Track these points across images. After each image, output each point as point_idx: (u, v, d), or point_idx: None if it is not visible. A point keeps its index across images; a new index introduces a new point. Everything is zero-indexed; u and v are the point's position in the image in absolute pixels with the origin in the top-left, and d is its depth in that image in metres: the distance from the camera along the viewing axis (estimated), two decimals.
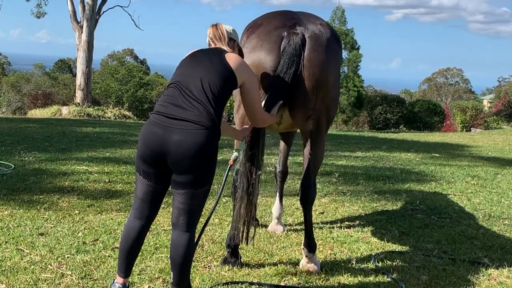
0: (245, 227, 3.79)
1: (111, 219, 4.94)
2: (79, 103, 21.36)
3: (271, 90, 3.58)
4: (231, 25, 3.46)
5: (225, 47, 3.27)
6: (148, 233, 4.56)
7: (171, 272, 3.04)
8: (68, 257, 3.93)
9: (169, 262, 3.86)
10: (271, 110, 3.57)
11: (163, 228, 4.75)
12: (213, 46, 3.31)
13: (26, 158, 7.75)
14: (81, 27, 21.62)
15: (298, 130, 4.21)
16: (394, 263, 4.17)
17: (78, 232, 4.53)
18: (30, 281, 3.46)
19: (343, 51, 29.93)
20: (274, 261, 4.10)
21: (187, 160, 2.82)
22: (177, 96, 2.95)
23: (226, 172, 3.47)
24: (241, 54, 3.47)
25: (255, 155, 3.72)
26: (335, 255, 4.33)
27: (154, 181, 2.98)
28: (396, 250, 4.53)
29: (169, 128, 2.85)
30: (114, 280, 3.14)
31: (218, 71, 3.03)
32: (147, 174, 2.97)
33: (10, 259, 3.82)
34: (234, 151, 3.64)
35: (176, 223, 2.99)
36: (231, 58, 3.12)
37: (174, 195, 2.96)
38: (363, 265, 4.09)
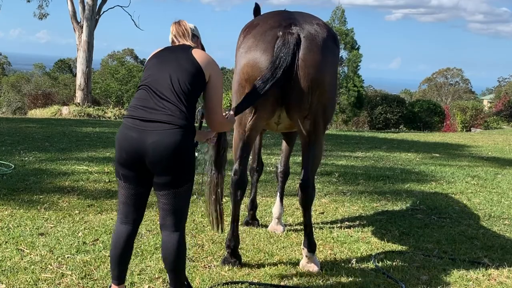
0: (214, 217, 3.87)
1: (111, 219, 4.94)
2: (79, 103, 21.37)
3: (254, 85, 3.57)
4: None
5: (189, 43, 3.24)
6: (148, 233, 4.58)
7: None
8: (68, 257, 3.93)
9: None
10: (237, 113, 3.62)
11: None
12: (177, 43, 3.28)
13: (26, 158, 7.75)
14: (81, 27, 21.62)
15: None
16: (394, 263, 4.17)
17: (78, 232, 4.53)
18: (30, 281, 3.46)
19: (343, 51, 29.98)
20: (274, 261, 4.10)
21: (165, 160, 2.84)
22: (148, 98, 2.95)
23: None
24: (203, 50, 3.45)
25: (220, 155, 3.81)
26: (335, 255, 4.33)
27: (135, 184, 2.99)
28: (396, 250, 4.53)
29: (143, 131, 2.86)
30: (110, 286, 3.14)
31: (186, 69, 3.01)
32: (127, 178, 2.99)
33: (10, 259, 3.82)
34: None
35: (164, 224, 3.01)
36: (198, 54, 3.10)
37: (158, 197, 2.99)
38: (363, 265, 4.09)
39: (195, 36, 3.36)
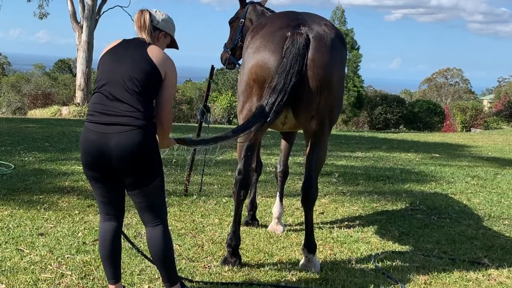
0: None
1: None
2: (79, 103, 21.36)
3: (276, 91, 3.57)
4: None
5: (146, 38, 3.11)
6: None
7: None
8: (68, 257, 3.93)
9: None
10: (268, 120, 3.54)
11: None
12: (138, 35, 3.16)
13: (26, 158, 7.75)
14: (81, 27, 21.62)
15: (300, 130, 4.21)
16: (394, 263, 4.17)
17: (78, 232, 4.52)
18: (30, 281, 3.46)
19: None
20: (274, 261, 4.10)
21: (128, 161, 2.87)
22: (104, 102, 2.93)
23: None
24: (174, 45, 3.35)
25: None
26: (335, 255, 4.33)
27: (107, 183, 3.01)
28: (396, 250, 4.53)
29: (104, 134, 2.87)
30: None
31: (140, 67, 2.94)
32: (96, 179, 3.01)
33: (10, 259, 3.82)
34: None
35: (144, 221, 3.08)
36: (153, 52, 3.00)
37: (130, 196, 3.03)
38: (363, 265, 4.09)
39: (157, 30, 3.19)
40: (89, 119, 2.96)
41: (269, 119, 3.55)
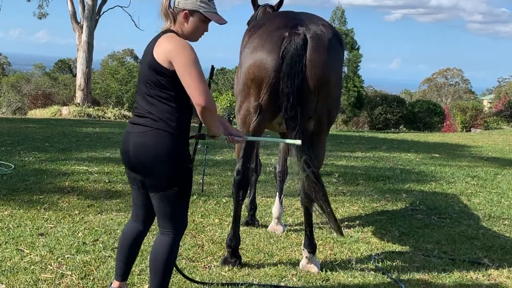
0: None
1: (111, 219, 4.94)
2: (79, 103, 21.36)
3: (284, 95, 3.58)
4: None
5: (167, 26, 2.83)
6: (148, 233, 4.57)
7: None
8: (68, 257, 3.93)
9: None
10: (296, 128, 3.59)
11: None
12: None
13: (26, 158, 7.75)
14: (81, 27, 21.62)
15: None
16: (394, 263, 4.17)
17: (78, 232, 4.52)
18: (30, 281, 3.46)
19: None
20: (274, 261, 4.10)
21: (144, 162, 2.79)
22: (136, 101, 2.92)
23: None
24: (214, 20, 2.88)
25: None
26: (335, 255, 4.33)
27: (138, 186, 2.95)
28: (396, 250, 4.53)
29: (128, 133, 2.86)
30: (111, 283, 3.14)
31: (148, 67, 2.76)
32: (131, 180, 2.99)
33: (10, 259, 3.82)
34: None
35: (158, 225, 2.98)
36: (158, 45, 2.73)
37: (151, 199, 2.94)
38: (363, 265, 4.09)
39: (180, 11, 2.80)
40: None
41: (289, 124, 3.60)
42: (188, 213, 5.26)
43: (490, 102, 48.29)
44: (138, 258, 3.95)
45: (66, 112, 20.06)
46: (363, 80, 31.16)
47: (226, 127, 3.16)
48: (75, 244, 4.21)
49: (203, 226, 4.93)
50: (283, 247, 4.46)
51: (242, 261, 4.00)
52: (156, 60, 2.71)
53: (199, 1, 2.80)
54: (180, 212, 2.91)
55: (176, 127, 2.78)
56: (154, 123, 2.76)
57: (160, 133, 2.75)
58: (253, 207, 5.11)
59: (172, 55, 2.67)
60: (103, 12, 22.71)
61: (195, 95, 2.70)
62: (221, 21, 2.90)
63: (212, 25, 2.96)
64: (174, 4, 2.79)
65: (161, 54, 2.69)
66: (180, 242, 4.33)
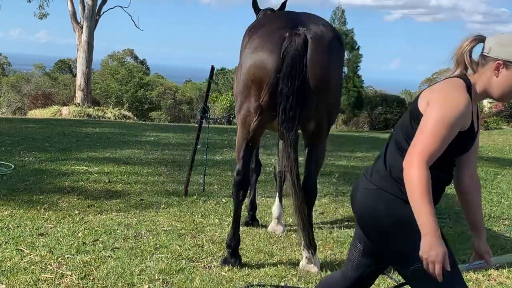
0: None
1: (111, 219, 4.94)
2: (79, 104, 21.35)
3: (282, 96, 3.57)
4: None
5: (454, 71, 2.21)
6: (148, 233, 4.58)
7: None
8: (68, 257, 3.93)
9: (169, 262, 3.87)
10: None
11: (163, 228, 4.75)
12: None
13: (26, 158, 7.75)
14: (81, 27, 21.61)
15: (299, 131, 4.21)
16: None
17: (78, 232, 4.52)
18: (30, 281, 3.45)
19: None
20: (274, 261, 4.10)
21: (362, 226, 2.34)
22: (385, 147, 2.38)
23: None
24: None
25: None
26: (335, 255, 4.33)
27: (358, 243, 2.44)
28: None
29: (356, 185, 2.41)
30: None
31: (410, 113, 2.22)
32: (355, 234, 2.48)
33: (10, 259, 3.82)
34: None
35: None
36: (430, 89, 2.20)
37: None
38: None
39: (488, 62, 2.12)
40: None
41: (286, 125, 3.57)
42: (188, 213, 5.30)
43: (490, 102, 48.26)
44: (138, 258, 3.96)
45: (66, 112, 20.05)
46: (363, 80, 31.13)
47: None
48: (75, 244, 4.21)
49: (203, 226, 4.92)
50: (283, 247, 4.46)
51: (242, 261, 4.00)
52: (417, 104, 2.17)
53: None
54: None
55: (391, 187, 2.21)
56: (378, 180, 2.24)
57: (375, 193, 2.22)
58: (253, 207, 5.11)
59: (432, 100, 2.10)
60: (103, 12, 22.72)
61: (411, 149, 2.06)
62: None
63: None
64: (483, 51, 2.14)
65: (424, 97, 2.15)
66: (180, 242, 4.36)
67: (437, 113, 2.03)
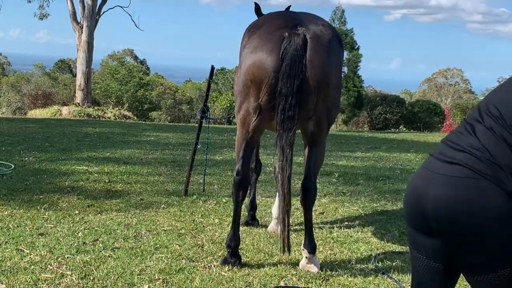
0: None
1: (111, 219, 4.94)
2: (79, 103, 21.36)
3: (281, 96, 3.57)
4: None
5: None
6: (148, 233, 4.58)
7: None
8: (68, 257, 3.93)
9: (169, 262, 3.87)
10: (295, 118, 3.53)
11: (163, 228, 4.75)
12: None
13: (26, 158, 7.75)
14: (81, 27, 21.62)
15: (298, 131, 4.21)
16: (394, 263, 4.17)
17: (78, 232, 4.52)
18: (30, 281, 3.45)
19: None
20: (274, 261, 4.10)
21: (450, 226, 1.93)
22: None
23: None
24: None
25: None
26: (335, 255, 4.33)
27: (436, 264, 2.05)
28: (396, 250, 4.53)
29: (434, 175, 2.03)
30: None
31: None
32: (418, 248, 2.10)
33: (10, 259, 3.82)
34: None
35: None
36: None
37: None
38: (363, 265, 4.09)
39: None
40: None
41: (285, 126, 3.57)
42: (188, 213, 5.30)
43: None
44: (138, 258, 3.96)
45: (66, 112, 20.06)
46: (363, 80, 31.11)
47: None
48: (75, 244, 4.21)
49: (203, 226, 4.93)
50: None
51: (242, 261, 4.00)
52: None
53: None
54: None
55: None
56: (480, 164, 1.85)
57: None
58: (253, 207, 5.11)
59: None
60: (103, 12, 22.72)
61: None
62: None
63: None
64: None
65: None
66: (180, 242, 4.36)
67: None
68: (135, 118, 23.82)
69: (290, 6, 4.75)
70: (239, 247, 4.06)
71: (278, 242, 4.25)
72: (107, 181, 6.52)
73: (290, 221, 5.21)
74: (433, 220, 1.89)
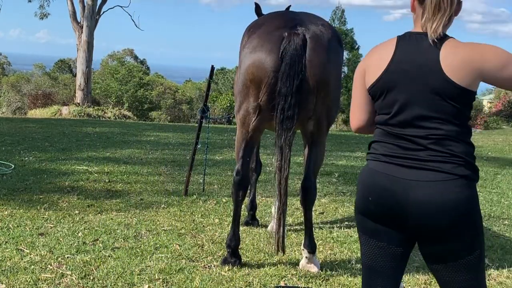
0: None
1: (111, 219, 4.94)
2: (79, 103, 21.37)
3: (281, 96, 3.57)
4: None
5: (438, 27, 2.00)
6: (148, 233, 4.58)
7: None
8: (68, 257, 3.93)
9: (169, 262, 3.87)
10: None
11: (163, 228, 4.75)
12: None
13: (26, 158, 7.75)
14: (81, 27, 21.63)
15: (298, 131, 4.21)
16: None
17: (78, 232, 4.52)
18: (30, 281, 3.45)
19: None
20: (274, 261, 4.10)
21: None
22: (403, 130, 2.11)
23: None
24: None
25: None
26: (335, 255, 4.33)
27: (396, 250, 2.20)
28: None
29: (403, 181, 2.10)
30: None
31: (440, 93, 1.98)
32: (381, 237, 2.20)
33: (10, 259, 3.82)
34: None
35: None
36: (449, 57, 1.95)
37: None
38: None
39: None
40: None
41: (284, 125, 3.57)
42: (188, 213, 5.30)
43: (490, 102, 48.30)
44: (138, 258, 3.96)
45: (66, 112, 20.07)
46: None
47: None
48: (75, 244, 4.21)
49: (203, 226, 4.93)
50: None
51: (242, 261, 4.00)
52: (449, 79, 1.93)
53: None
54: (484, 284, 2.07)
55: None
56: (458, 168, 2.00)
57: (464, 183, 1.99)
58: (253, 207, 5.11)
59: (483, 62, 1.92)
60: (103, 12, 22.74)
61: None
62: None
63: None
64: None
65: (463, 67, 1.93)
66: (180, 242, 4.36)
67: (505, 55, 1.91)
68: (135, 118, 23.84)
69: (290, 6, 4.75)
70: (239, 247, 4.06)
71: (272, 242, 4.27)
72: (107, 181, 6.52)
73: (290, 221, 5.22)
74: (413, 220, 2.00)
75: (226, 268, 3.88)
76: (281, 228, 3.69)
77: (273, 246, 3.83)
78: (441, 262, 2.02)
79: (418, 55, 1.99)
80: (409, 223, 2.01)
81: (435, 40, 1.96)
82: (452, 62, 1.93)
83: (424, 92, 1.98)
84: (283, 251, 3.79)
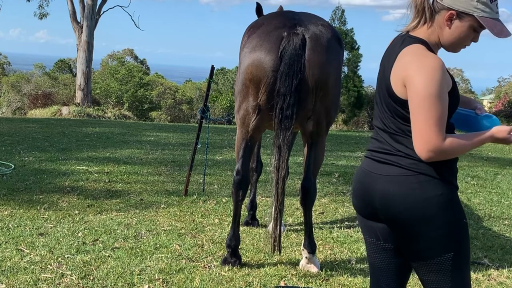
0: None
1: (111, 219, 4.94)
2: (79, 103, 21.37)
3: (280, 95, 3.57)
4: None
5: (413, 25, 2.07)
6: (148, 233, 4.58)
7: None
8: (68, 257, 3.93)
9: (169, 262, 3.87)
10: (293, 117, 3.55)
11: (163, 228, 4.75)
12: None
13: (26, 158, 7.75)
14: (81, 27, 21.63)
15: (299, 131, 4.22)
16: None
17: (78, 232, 4.52)
18: (30, 281, 3.46)
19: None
20: (274, 261, 4.10)
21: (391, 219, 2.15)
22: (375, 128, 2.23)
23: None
24: (478, 28, 2.05)
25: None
26: (335, 255, 4.33)
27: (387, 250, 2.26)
28: None
29: (370, 174, 2.21)
30: None
31: (388, 94, 2.06)
32: (370, 233, 2.30)
33: (10, 259, 3.82)
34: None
35: None
36: (400, 61, 2.01)
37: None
38: (363, 265, 4.09)
39: (442, 10, 2.00)
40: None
41: (283, 125, 3.57)
42: (188, 213, 5.30)
43: (490, 102, 48.31)
44: (138, 258, 3.96)
45: (66, 112, 20.06)
46: (363, 80, 31.12)
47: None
48: (75, 244, 4.21)
49: (203, 226, 4.93)
50: (283, 247, 4.45)
51: (242, 261, 4.00)
52: (390, 83, 2.02)
53: (477, 0, 1.97)
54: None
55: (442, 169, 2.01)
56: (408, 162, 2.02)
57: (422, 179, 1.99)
58: (253, 207, 5.11)
59: (408, 78, 1.93)
60: (103, 12, 22.74)
61: (416, 141, 1.93)
62: (503, 34, 2.03)
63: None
64: None
65: (397, 74, 1.99)
66: (180, 242, 4.36)
67: (424, 88, 1.89)
68: (135, 118, 23.85)
69: (281, 6, 4.76)
70: (239, 247, 4.06)
71: (268, 242, 4.27)
72: (107, 181, 6.52)
73: (290, 221, 5.22)
74: (381, 213, 2.08)
75: (226, 268, 3.88)
76: (278, 227, 3.69)
77: (269, 246, 3.83)
78: (412, 260, 2.07)
79: (388, 56, 2.11)
80: (379, 216, 2.10)
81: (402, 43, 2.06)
82: (394, 68, 2.03)
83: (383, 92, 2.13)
84: (279, 251, 3.79)
